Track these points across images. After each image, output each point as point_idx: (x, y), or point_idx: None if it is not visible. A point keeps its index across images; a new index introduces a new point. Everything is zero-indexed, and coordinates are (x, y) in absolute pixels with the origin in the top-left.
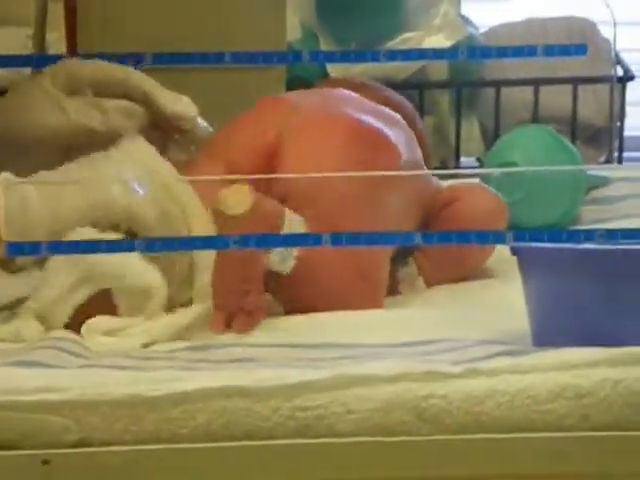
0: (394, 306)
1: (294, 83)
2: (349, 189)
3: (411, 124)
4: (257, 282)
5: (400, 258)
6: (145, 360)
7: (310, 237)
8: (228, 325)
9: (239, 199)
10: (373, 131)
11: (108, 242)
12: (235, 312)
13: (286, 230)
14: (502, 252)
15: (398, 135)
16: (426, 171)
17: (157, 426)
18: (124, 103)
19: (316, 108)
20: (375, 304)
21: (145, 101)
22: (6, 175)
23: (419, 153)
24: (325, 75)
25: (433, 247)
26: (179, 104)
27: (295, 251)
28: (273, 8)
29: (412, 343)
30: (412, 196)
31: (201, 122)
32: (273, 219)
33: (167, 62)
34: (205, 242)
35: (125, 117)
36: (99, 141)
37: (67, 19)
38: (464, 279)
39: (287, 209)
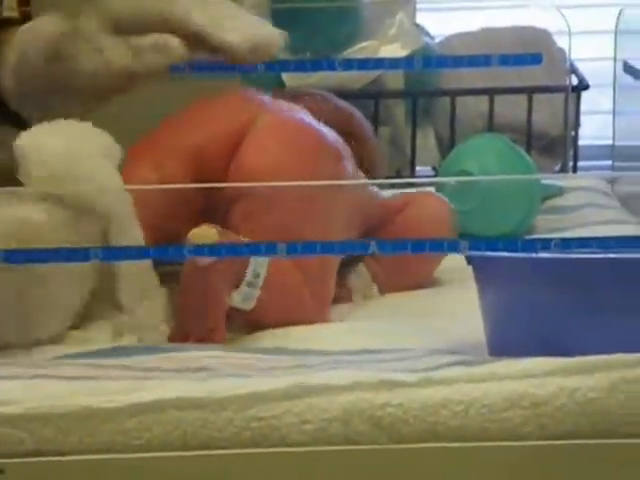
0: (347, 314)
1: None
2: (302, 198)
3: (361, 133)
4: (220, 320)
5: (349, 266)
6: (98, 369)
7: (264, 246)
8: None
9: (207, 239)
10: (335, 145)
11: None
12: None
13: (250, 270)
14: (457, 261)
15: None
16: (382, 180)
17: (112, 437)
18: (157, 38)
19: (284, 111)
20: (322, 318)
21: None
22: None
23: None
24: (282, 85)
25: (385, 254)
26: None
27: (258, 292)
28: None
29: (366, 351)
30: (355, 207)
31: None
32: (239, 261)
33: None
34: (159, 252)
35: (160, 54)
36: (137, 81)
37: None
38: (418, 287)
39: None
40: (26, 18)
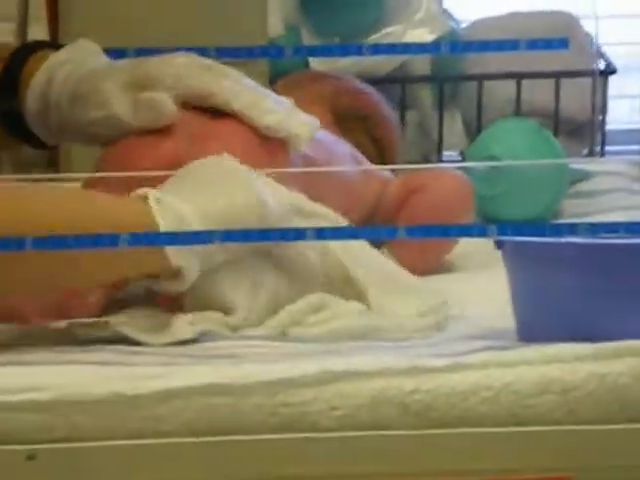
0: None
1: (277, 79)
2: None
3: (376, 115)
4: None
5: None
6: (128, 354)
7: (293, 231)
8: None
9: None
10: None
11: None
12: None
13: None
14: (484, 245)
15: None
16: (409, 165)
17: (142, 423)
18: (153, 96)
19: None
20: None
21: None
22: (155, 193)
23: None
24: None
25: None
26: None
27: None
28: (255, 4)
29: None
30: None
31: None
32: None
33: (150, 57)
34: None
35: (153, 112)
36: (128, 133)
37: (49, 10)
38: (446, 271)
39: None
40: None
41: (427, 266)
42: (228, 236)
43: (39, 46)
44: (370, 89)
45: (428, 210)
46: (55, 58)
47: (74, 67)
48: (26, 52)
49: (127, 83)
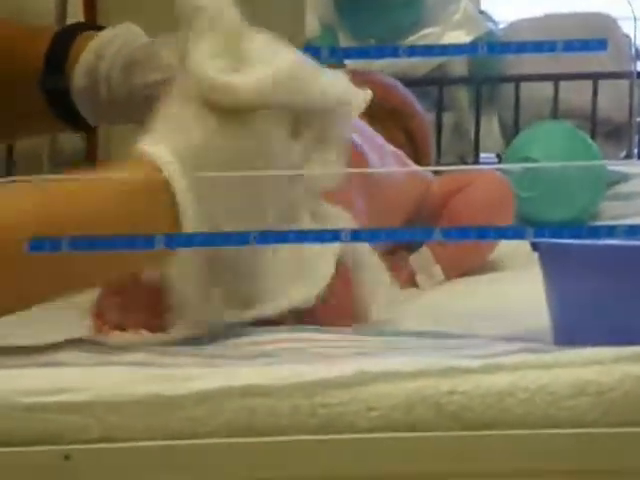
0: (413, 299)
1: None
2: None
3: (405, 108)
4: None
5: (407, 250)
6: (163, 356)
7: (329, 233)
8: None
9: None
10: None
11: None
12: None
13: None
14: (521, 247)
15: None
16: (447, 167)
17: (179, 424)
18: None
19: None
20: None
21: None
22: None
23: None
24: None
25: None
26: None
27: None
28: (292, 5)
29: (433, 334)
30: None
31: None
32: None
33: None
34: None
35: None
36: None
37: (86, 9)
38: (483, 272)
39: None
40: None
41: (471, 266)
42: (264, 238)
43: (84, 28)
44: (396, 82)
45: (470, 210)
46: (104, 36)
47: (124, 42)
48: (72, 32)
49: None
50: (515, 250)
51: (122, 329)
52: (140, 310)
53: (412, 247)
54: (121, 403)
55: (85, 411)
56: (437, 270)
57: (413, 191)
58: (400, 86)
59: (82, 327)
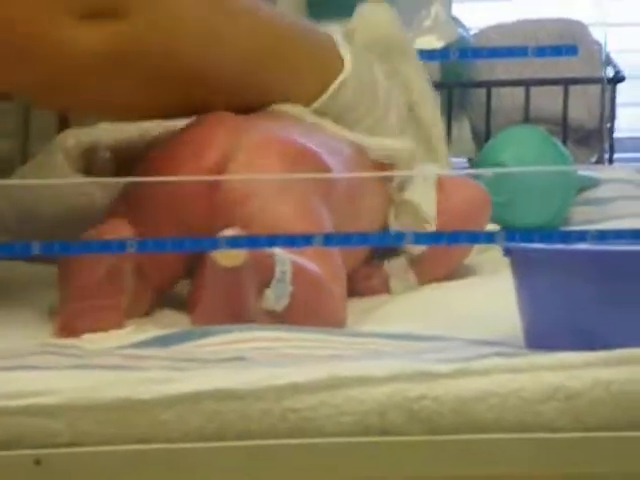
0: (385, 302)
1: None
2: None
3: None
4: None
5: (380, 258)
6: (136, 359)
7: (301, 237)
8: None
9: (233, 252)
10: (310, 153)
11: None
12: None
13: (278, 268)
14: (493, 252)
15: (337, 163)
16: (416, 172)
17: (149, 429)
18: None
19: (268, 129)
20: (341, 316)
21: None
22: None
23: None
24: None
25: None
26: None
27: (290, 288)
28: None
29: (405, 336)
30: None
31: None
32: (266, 259)
33: None
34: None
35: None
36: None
37: None
38: (454, 277)
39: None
40: None
41: (445, 271)
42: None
43: None
44: None
45: (448, 220)
46: None
47: None
48: None
49: None
50: (487, 256)
51: (91, 331)
52: (104, 310)
53: (389, 255)
54: (91, 407)
55: (55, 415)
56: (411, 276)
57: (383, 198)
58: None
59: (46, 330)
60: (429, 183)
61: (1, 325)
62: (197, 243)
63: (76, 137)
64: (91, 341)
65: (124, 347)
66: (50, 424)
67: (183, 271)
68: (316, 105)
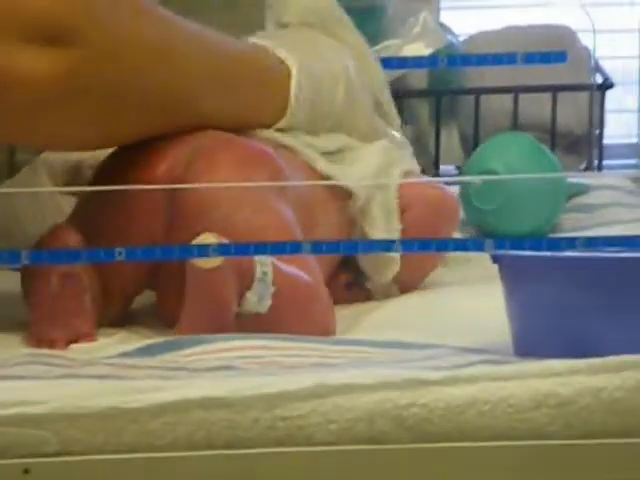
0: (371, 311)
1: None
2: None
3: None
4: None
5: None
6: (124, 368)
7: (289, 244)
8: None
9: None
10: (264, 155)
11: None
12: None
13: (258, 269)
14: (481, 260)
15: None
16: (407, 180)
17: (137, 438)
18: None
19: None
20: (330, 321)
21: None
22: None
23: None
24: None
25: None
26: None
27: (272, 288)
28: (252, 18)
29: (393, 344)
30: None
31: None
32: (246, 262)
33: None
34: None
35: None
36: None
37: None
38: (443, 284)
39: None
40: None
41: (422, 279)
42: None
43: None
44: None
45: (414, 227)
46: None
47: None
48: None
49: None
50: (475, 263)
51: (62, 338)
52: (70, 316)
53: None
54: (79, 416)
55: (44, 424)
56: (395, 291)
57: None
58: None
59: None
60: (389, 210)
61: None
62: (170, 251)
63: (61, 155)
64: (78, 351)
65: (111, 357)
66: (38, 433)
67: (146, 280)
68: (280, 125)
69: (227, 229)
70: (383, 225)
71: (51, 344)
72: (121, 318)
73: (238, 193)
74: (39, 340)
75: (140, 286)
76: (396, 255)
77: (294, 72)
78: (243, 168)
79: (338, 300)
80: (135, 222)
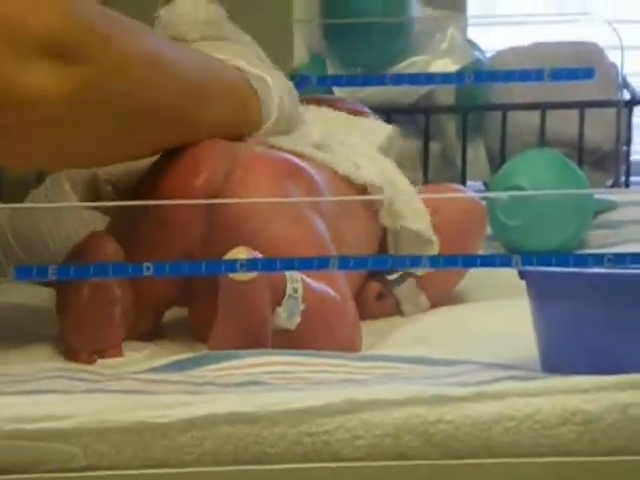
0: (398, 327)
1: None
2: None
3: None
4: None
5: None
6: (151, 383)
7: (317, 259)
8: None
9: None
10: (300, 168)
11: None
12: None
13: (289, 285)
14: (508, 275)
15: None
16: (434, 195)
17: (165, 453)
18: None
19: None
20: (356, 337)
21: None
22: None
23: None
24: None
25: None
26: None
27: (302, 306)
28: (280, 33)
29: (420, 360)
30: (363, 223)
31: None
32: (277, 278)
33: None
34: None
35: None
36: None
37: None
38: (469, 300)
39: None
40: None
41: (448, 293)
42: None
43: None
44: (365, 108)
45: (441, 233)
46: None
47: None
48: None
49: None
50: (502, 279)
51: (92, 351)
52: (99, 329)
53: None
54: (107, 430)
55: (71, 439)
56: (423, 299)
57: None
58: (370, 113)
59: (56, 356)
60: (415, 204)
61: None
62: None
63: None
64: (107, 366)
65: (140, 372)
66: (66, 448)
67: (177, 294)
68: (264, 131)
69: (263, 242)
70: (415, 219)
71: (76, 355)
72: (150, 333)
73: (276, 205)
74: (67, 351)
75: (171, 301)
76: (434, 238)
77: (268, 79)
78: (281, 180)
79: (369, 311)
80: (172, 234)
